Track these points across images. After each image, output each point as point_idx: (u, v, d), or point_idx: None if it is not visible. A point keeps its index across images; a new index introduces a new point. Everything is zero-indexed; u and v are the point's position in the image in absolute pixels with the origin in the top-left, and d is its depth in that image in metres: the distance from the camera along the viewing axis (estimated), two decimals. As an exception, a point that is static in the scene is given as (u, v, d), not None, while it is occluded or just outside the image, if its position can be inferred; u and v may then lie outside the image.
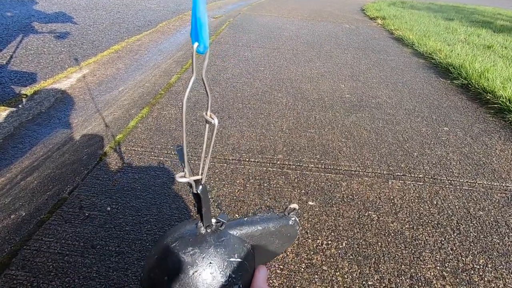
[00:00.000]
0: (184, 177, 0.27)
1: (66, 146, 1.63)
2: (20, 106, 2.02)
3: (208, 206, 0.30)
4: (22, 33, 3.14)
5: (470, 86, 2.49)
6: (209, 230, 0.31)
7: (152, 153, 1.44)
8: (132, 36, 3.61)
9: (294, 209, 0.39)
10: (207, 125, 0.25)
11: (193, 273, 0.29)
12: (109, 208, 1.12)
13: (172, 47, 3.36)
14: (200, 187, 0.28)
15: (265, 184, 1.30)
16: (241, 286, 0.31)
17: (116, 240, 1.00)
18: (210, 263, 0.29)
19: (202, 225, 0.31)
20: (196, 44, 0.21)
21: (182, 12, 5.11)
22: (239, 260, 0.31)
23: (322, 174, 1.40)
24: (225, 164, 1.41)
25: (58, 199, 1.15)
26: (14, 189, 1.32)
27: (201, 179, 0.28)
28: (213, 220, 0.32)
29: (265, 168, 1.40)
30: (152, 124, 1.67)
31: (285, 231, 0.39)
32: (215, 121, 0.25)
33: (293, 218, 0.39)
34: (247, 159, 1.45)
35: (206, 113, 0.25)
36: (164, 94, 2.01)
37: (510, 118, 2.00)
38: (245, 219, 0.36)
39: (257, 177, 1.34)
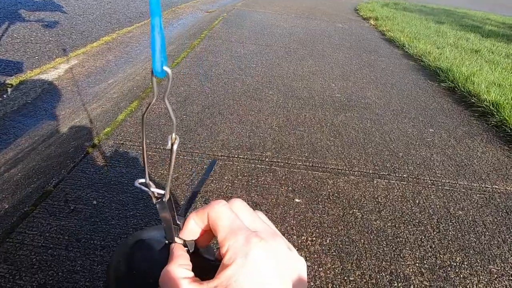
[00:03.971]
0: (144, 183, 0.24)
1: (52, 138, 1.61)
2: (5, 96, 1.97)
3: (169, 224, 0.26)
4: (8, 21, 3.05)
5: (456, 89, 2.55)
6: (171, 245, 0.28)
7: (141, 148, 1.43)
8: (123, 28, 3.54)
9: None
10: (172, 148, 0.23)
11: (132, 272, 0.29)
12: (95, 202, 1.12)
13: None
14: (158, 205, 0.26)
15: (253, 181, 1.32)
16: None
17: (101, 234, 1.00)
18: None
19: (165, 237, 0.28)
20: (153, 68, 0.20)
21: (176, 5, 5.04)
22: None
23: (309, 172, 1.42)
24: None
25: (43, 191, 1.14)
26: (-3, 181, 1.30)
27: (163, 195, 0.25)
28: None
29: (253, 165, 1.41)
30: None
31: None
32: (174, 147, 0.23)
33: None
34: (236, 156, 1.46)
35: (171, 136, 0.23)
36: (154, 88, 1.99)
37: (492, 122, 2.06)
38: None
39: (245, 174, 1.35)
